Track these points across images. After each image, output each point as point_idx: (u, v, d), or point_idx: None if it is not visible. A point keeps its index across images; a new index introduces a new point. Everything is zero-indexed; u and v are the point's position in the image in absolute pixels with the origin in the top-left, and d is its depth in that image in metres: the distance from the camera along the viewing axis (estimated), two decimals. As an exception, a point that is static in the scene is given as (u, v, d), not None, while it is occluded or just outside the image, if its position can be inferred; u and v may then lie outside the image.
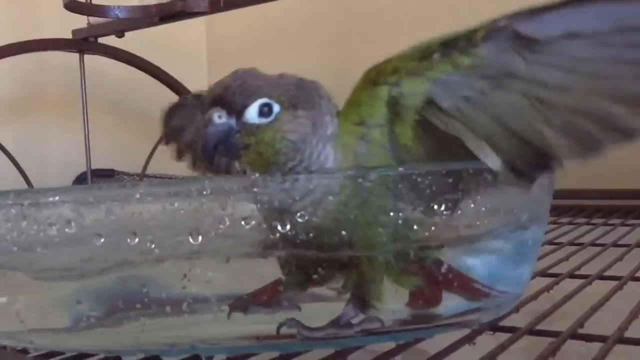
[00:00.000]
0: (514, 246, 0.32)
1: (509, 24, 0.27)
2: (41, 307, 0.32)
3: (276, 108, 0.29)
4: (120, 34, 0.86)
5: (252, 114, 0.28)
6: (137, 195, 0.28)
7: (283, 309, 0.30)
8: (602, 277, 0.46)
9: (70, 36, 0.92)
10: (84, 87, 0.88)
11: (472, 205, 0.29)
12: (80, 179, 1.17)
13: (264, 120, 0.29)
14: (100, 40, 0.91)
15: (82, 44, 0.87)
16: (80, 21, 0.93)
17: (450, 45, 0.28)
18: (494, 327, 0.34)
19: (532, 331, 0.33)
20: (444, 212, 0.29)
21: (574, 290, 0.41)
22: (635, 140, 0.27)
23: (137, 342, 0.31)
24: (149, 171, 1.15)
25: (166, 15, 0.76)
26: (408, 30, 1.23)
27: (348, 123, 0.31)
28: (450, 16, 1.18)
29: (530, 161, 0.28)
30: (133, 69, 1.02)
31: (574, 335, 0.32)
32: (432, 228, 0.29)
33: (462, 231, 0.30)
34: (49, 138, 1.11)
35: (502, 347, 0.30)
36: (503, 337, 0.33)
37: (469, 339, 0.32)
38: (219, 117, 0.28)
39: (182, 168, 1.31)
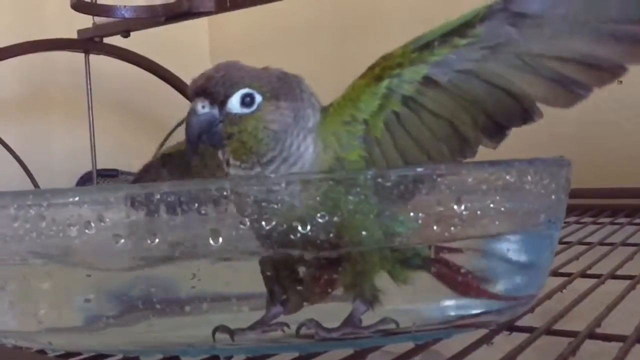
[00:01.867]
0: (532, 247, 0.32)
1: (503, 6, 0.30)
2: (58, 307, 0.32)
3: (258, 98, 0.29)
4: (126, 34, 0.86)
5: (234, 103, 0.29)
6: (158, 196, 0.28)
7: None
8: (614, 277, 0.46)
9: (74, 36, 0.92)
10: (89, 87, 0.88)
11: (491, 205, 0.29)
12: (84, 179, 1.17)
13: (246, 110, 0.29)
14: (105, 40, 0.91)
15: (88, 44, 0.87)
16: (85, 21, 0.93)
17: (451, 33, 0.30)
18: (510, 327, 0.34)
19: (549, 331, 0.33)
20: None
21: (587, 289, 0.41)
22: (618, 76, 0.30)
23: (155, 341, 0.31)
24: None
25: (172, 15, 0.76)
26: (410, 29, 1.23)
27: (338, 117, 0.31)
28: (452, 12, 1.18)
29: (513, 114, 0.31)
30: (137, 69, 1.02)
31: (592, 335, 0.32)
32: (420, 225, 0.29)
33: (479, 231, 0.30)
34: (53, 138, 1.11)
35: (521, 348, 0.30)
36: (518, 337, 0.33)
37: (486, 340, 0.32)
38: (202, 107, 0.29)
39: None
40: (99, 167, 1.14)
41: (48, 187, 0.98)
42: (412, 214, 0.28)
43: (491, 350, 0.32)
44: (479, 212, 0.29)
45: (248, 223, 0.28)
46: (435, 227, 0.29)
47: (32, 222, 0.29)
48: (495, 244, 0.31)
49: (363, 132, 0.31)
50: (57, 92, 1.07)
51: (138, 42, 0.98)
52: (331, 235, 0.28)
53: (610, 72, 0.31)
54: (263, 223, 0.28)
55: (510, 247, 0.31)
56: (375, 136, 0.31)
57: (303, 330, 0.29)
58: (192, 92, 0.30)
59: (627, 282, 0.43)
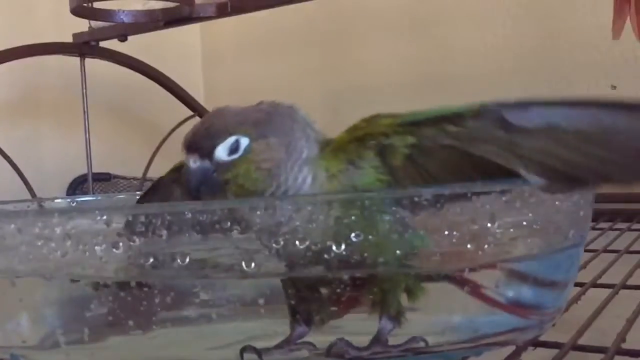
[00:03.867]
0: (562, 263, 0.32)
1: (498, 110, 0.29)
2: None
3: (244, 142, 0.30)
4: (123, 38, 0.85)
5: (221, 153, 0.30)
6: (189, 215, 0.28)
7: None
8: (625, 287, 0.46)
9: (67, 39, 0.91)
10: (84, 91, 0.87)
11: (524, 223, 0.29)
12: (77, 183, 1.16)
13: (235, 156, 0.30)
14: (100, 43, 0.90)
15: (83, 47, 0.86)
16: (79, 25, 0.92)
17: (442, 118, 0.30)
18: (535, 342, 0.34)
19: (575, 346, 0.33)
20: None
21: (603, 301, 0.41)
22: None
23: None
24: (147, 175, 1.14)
25: (172, 20, 0.76)
26: (402, 32, 1.23)
27: (336, 158, 0.31)
28: (443, 18, 1.18)
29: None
30: (130, 73, 1.01)
31: (619, 351, 0.32)
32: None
33: (513, 249, 0.30)
34: (45, 141, 1.10)
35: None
36: (543, 352, 0.33)
37: (515, 357, 0.32)
38: (194, 162, 0.30)
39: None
40: (93, 171, 1.13)
41: (40, 190, 0.97)
42: (446, 232, 0.28)
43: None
44: (512, 230, 0.29)
45: (275, 244, 0.28)
46: (469, 246, 0.29)
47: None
48: (526, 261, 0.31)
49: (378, 161, 0.31)
50: (48, 95, 1.06)
51: (128, 45, 0.97)
52: (365, 255, 0.28)
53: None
54: (297, 242, 0.28)
55: (541, 264, 0.31)
56: (397, 165, 0.31)
57: (334, 350, 0.29)
58: (183, 148, 0.31)
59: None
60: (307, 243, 0.28)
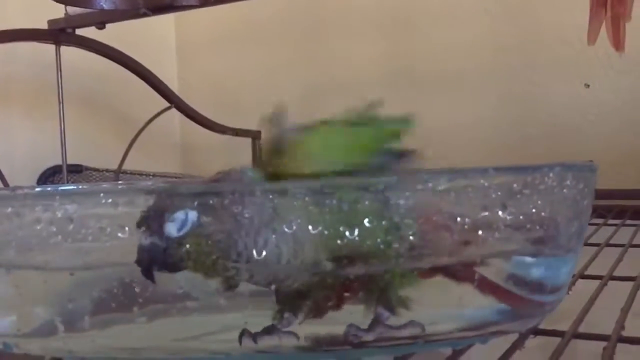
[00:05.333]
0: (565, 253, 0.32)
1: None
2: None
3: (192, 215, 0.29)
4: (101, 26, 0.83)
5: (171, 229, 0.29)
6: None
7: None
8: (613, 278, 0.47)
9: (41, 26, 0.89)
10: (60, 80, 0.85)
11: (534, 211, 0.29)
12: (47, 174, 1.13)
13: (184, 230, 0.29)
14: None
15: (59, 35, 0.83)
16: (53, 11, 0.89)
17: None
18: (536, 331, 0.34)
19: (576, 334, 0.33)
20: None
21: (596, 291, 0.42)
22: None
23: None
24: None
25: (154, 8, 0.74)
26: (380, 26, 1.23)
27: None
28: (421, 14, 1.19)
29: None
30: (103, 62, 0.99)
31: (621, 338, 0.32)
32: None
33: (522, 237, 0.30)
34: (15, 132, 1.08)
35: (559, 352, 0.30)
36: (542, 340, 0.33)
37: (518, 345, 0.32)
38: (145, 239, 0.29)
39: (154, 165, 1.28)
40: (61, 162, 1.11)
41: (9, 182, 0.94)
42: (458, 219, 0.28)
43: (524, 355, 0.32)
44: (521, 217, 0.29)
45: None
46: (480, 233, 0.28)
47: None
48: (532, 250, 0.31)
49: None
50: (19, 84, 1.03)
51: (100, 35, 0.95)
52: (375, 244, 0.27)
53: None
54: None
55: (547, 254, 0.31)
56: None
57: (347, 336, 0.29)
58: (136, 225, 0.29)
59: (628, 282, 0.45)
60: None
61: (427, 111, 1.15)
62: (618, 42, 0.60)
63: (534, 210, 0.29)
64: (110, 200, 0.28)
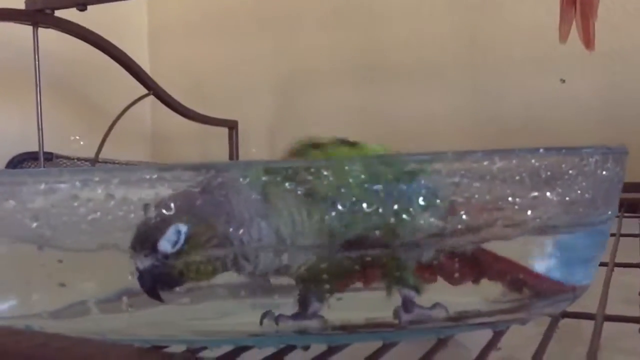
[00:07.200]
0: (596, 237, 0.32)
1: None
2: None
3: (183, 229, 0.28)
4: (82, 7, 0.80)
5: (165, 246, 0.28)
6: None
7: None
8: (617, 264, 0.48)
9: (18, 6, 0.86)
10: (37, 63, 0.82)
11: (578, 191, 0.29)
12: (15, 162, 1.10)
13: (178, 246, 0.28)
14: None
15: (37, 16, 0.80)
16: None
17: None
18: (566, 314, 0.34)
19: (608, 317, 0.33)
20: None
21: (607, 277, 0.42)
22: None
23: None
24: (87, 156, 1.10)
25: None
26: (351, 19, 1.23)
27: None
28: (390, 7, 1.19)
29: None
30: (72, 47, 0.96)
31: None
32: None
33: (560, 220, 0.30)
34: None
35: (598, 334, 0.30)
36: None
37: (552, 328, 0.32)
38: (141, 262, 0.28)
39: (124, 154, 1.24)
40: (31, 149, 1.07)
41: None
42: (487, 197, 0.28)
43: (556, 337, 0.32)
44: (567, 198, 0.29)
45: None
46: (529, 213, 0.28)
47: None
48: (566, 234, 0.31)
49: None
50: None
51: (73, 18, 0.92)
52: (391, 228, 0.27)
53: None
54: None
55: (579, 238, 0.32)
56: None
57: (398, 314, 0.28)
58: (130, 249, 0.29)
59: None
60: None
61: (401, 103, 1.15)
62: (588, 41, 0.62)
63: (578, 191, 0.29)
64: (155, 176, 0.27)
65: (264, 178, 0.28)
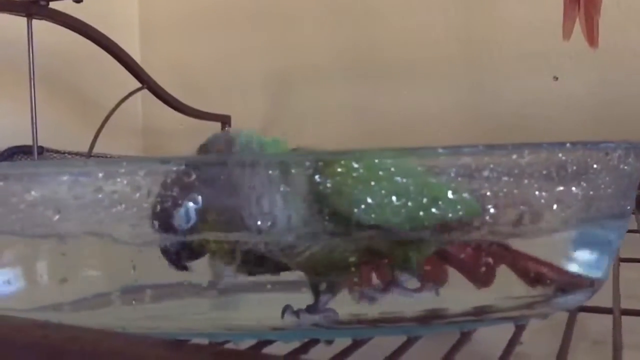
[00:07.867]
0: (615, 231, 0.33)
1: None
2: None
3: (192, 206, 0.28)
4: (78, -1, 0.79)
5: (180, 221, 0.28)
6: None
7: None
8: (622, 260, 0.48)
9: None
10: (31, 55, 0.81)
11: (602, 186, 0.29)
12: (5, 155, 1.08)
13: (192, 221, 0.28)
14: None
15: (32, 7, 0.79)
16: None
17: None
18: (582, 308, 0.34)
19: (625, 311, 0.34)
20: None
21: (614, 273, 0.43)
22: None
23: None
24: (78, 150, 1.09)
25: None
26: (346, 14, 1.23)
27: None
28: (388, 3, 1.19)
29: None
30: (64, 40, 0.94)
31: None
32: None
33: (581, 214, 0.30)
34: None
35: (619, 327, 0.30)
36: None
37: (572, 320, 0.32)
38: (163, 241, 0.28)
39: (115, 148, 1.23)
40: (20, 143, 1.06)
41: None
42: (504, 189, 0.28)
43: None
44: (591, 192, 0.29)
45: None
46: (555, 207, 0.28)
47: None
48: (586, 229, 0.31)
49: None
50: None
51: (64, 11, 0.91)
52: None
53: None
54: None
55: (599, 232, 0.32)
56: None
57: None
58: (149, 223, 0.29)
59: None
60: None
61: (395, 99, 1.16)
62: (592, 39, 0.62)
63: (602, 186, 0.30)
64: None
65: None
